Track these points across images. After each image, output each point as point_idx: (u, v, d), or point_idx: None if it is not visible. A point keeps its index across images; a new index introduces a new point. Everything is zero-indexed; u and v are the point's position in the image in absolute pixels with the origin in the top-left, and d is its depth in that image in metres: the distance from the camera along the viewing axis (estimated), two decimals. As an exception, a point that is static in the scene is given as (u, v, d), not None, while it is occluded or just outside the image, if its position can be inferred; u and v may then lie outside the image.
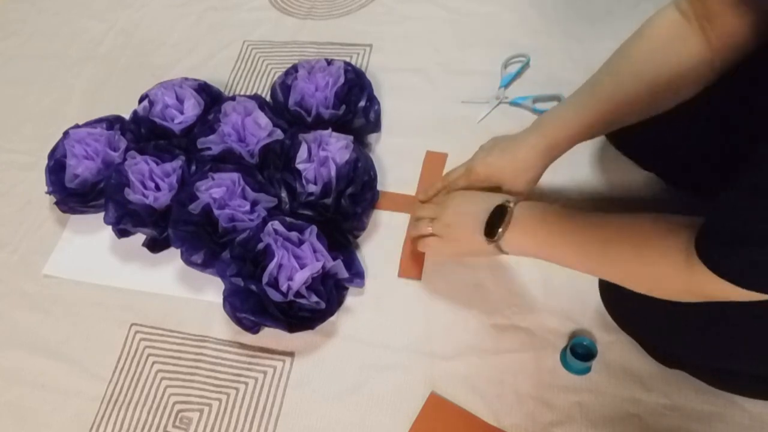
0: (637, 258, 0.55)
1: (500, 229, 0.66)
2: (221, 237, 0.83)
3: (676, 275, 0.51)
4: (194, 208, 0.83)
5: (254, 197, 0.85)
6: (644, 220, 0.57)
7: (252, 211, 0.84)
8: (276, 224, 0.79)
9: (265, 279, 0.76)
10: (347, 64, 0.97)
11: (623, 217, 0.59)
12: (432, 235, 0.75)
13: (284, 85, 0.97)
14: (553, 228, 0.64)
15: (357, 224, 0.86)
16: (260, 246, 0.79)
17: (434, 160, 0.93)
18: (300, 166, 0.85)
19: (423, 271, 0.84)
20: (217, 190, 0.83)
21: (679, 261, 0.50)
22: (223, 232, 0.83)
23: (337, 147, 0.85)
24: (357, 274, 0.82)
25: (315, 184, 0.84)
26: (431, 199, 0.81)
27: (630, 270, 0.57)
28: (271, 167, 0.88)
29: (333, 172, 0.83)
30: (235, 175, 0.84)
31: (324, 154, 0.84)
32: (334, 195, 0.84)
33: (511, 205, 0.67)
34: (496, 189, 0.74)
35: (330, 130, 0.87)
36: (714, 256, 0.47)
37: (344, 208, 0.84)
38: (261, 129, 0.90)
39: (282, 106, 0.96)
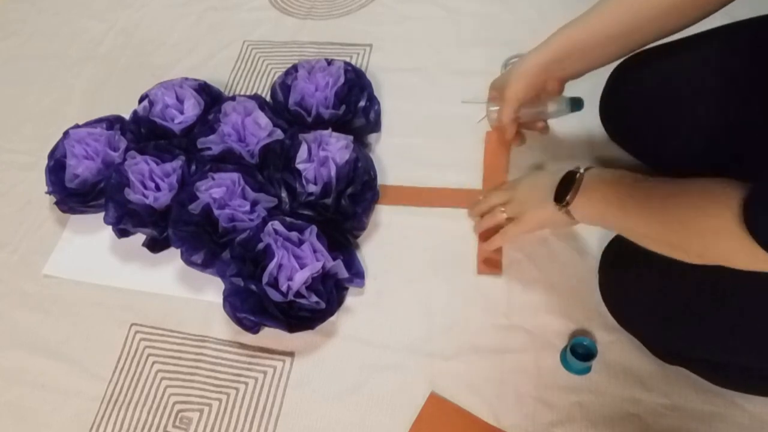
0: (692, 222, 0.54)
1: (570, 195, 0.67)
2: (221, 237, 0.83)
3: (729, 239, 0.49)
4: (194, 208, 0.83)
5: (254, 197, 0.85)
6: (699, 182, 0.55)
7: (252, 211, 0.84)
8: (276, 224, 0.79)
9: (265, 279, 0.76)
10: (347, 64, 0.97)
11: (683, 181, 0.57)
12: (507, 222, 0.78)
13: (284, 85, 0.97)
14: (618, 193, 0.63)
15: (357, 224, 0.86)
16: (260, 246, 0.79)
17: (497, 139, 0.91)
18: (300, 166, 0.85)
19: (422, 270, 0.84)
20: (217, 190, 0.83)
21: (732, 226, 0.48)
22: (223, 232, 0.83)
23: (337, 147, 0.85)
24: (357, 274, 0.82)
25: (315, 184, 0.84)
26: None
27: (685, 234, 0.55)
28: (271, 167, 0.88)
29: (333, 172, 0.83)
30: (235, 175, 0.84)
31: (324, 154, 0.84)
32: (334, 195, 0.84)
33: (581, 171, 0.68)
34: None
35: (330, 130, 0.87)
36: (760, 226, 0.46)
37: (344, 208, 0.84)
38: (261, 129, 0.90)
39: (282, 106, 0.96)
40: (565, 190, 0.68)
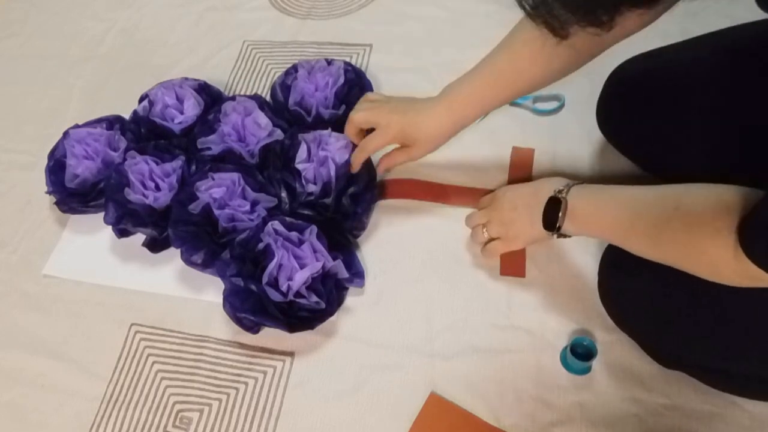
0: (689, 244, 0.54)
1: (558, 223, 0.67)
2: (221, 237, 0.83)
3: (727, 260, 0.50)
4: (194, 208, 0.83)
5: (254, 197, 0.85)
6: (695, 199, 0.55)
7: (252, 211, 0.84)
8: (276, 224, 0.79)
9: (265, 279, 0.76)
10: (347, 64, 0.97)
11: (675, 194, 0.58)
12: (492, 239, 0.78)
13: (284, 85, 0.97)
14: (607, 213, 0.64)
15: (357, 224, 0.86)
16: (260, 246, 0.79)
17: (521, 156, 0.91)
18: (299, 166, 0.85)
19: (422, 270, 0.84)
20: (217, 190, 0.83)
21: (728, 245, 0.49)
22: (223, 232, 0.83)
23: (336, 147, 0.85)
24: (357, 274, 0.82)
25: (314, 183, 0.84)
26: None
27: (683, 255, 0.56)
28: (271, 167, 0.88)
29: (332, 172, 0.83)
30: (235, 175, 0.84)
31: (323, 153, 0.84)
32: (334, 195, 0.84)
33: (563, 195, 0.68)
34: (405, 145, 0.80)
35: (330, 129, 0.87)
36: (755, 247, 0.47)
37: (344, 207, 0.84)
38: (261, 129, 0.90)
39: (282, 106, 0.96)
40: (553, 216, 0.68)
